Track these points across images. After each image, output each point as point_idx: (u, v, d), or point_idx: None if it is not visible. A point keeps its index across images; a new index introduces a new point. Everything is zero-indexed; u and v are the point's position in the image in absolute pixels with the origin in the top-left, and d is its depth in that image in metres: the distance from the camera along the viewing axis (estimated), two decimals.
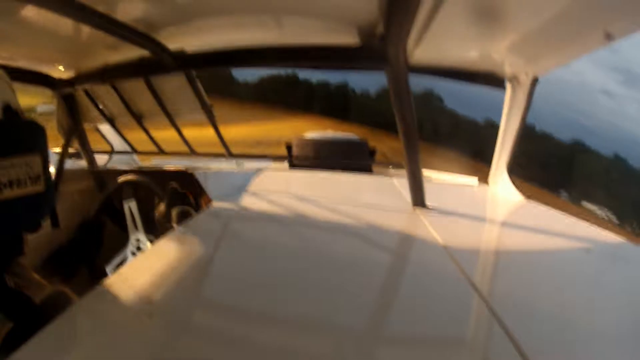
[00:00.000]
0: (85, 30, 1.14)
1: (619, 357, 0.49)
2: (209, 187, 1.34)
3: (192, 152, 2.13)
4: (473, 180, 2.11)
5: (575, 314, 0.59)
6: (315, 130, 3.26)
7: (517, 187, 1.49)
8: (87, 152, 1.86)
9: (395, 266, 0.81)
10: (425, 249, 0.89)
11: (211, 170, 1.70)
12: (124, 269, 0.72)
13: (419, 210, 1.18)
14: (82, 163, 1.90)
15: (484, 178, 1.69)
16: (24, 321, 0.51)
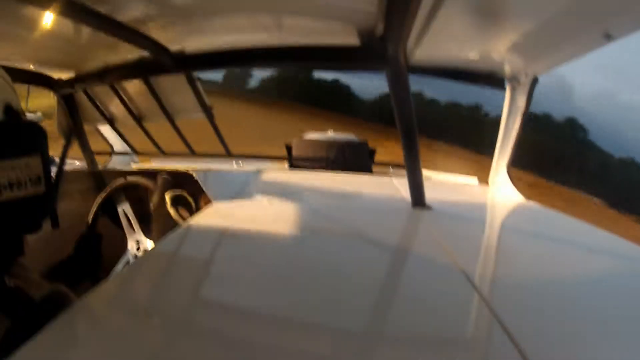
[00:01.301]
0: (86, 30, 1.14)
1: (620, 358, 0.49)
2: (209, 187, 1.33)
3: (192, 153, 2.13)
4: (473, 180, 2.11)
5: (576, 314, 0.59)
6: (316, 132, 3.26)
7: (517, 187, 1.49)
8: (87, 153, 1.86)
9: (394, 266, 0.81)
10: (424, 249, 0.89)
11: (211, 170, 1.70)
12: (123, 270, 0.72)
13: (418, 211, 1.18)
14: (82, 164, 1.90)
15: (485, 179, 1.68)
16: (23, 321, 0.50)
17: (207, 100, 1.71)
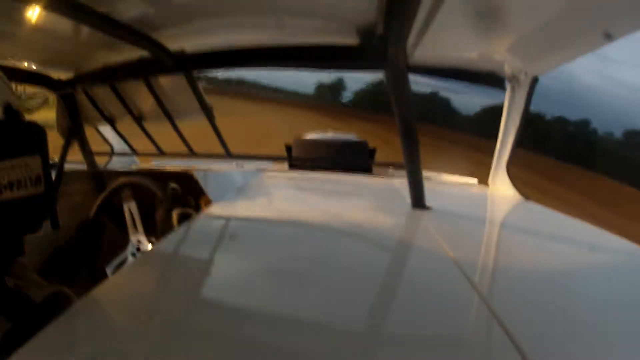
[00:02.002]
0: (85, 30, 1.15)
1: (620, 357, 0.49)
2: (209, 188, 1.34)
3: (192, 153, 2.13)
4: (473, 180, 2.11)
5: (576, 314, 0.59)
6: (316, 131, 3.26)
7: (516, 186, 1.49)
8: (87, 153, 1.86)
9: (394, 267, 0.81)
10: (424, 249, 0.89)
11: (211, 171, 1.70)
12: (124, 270, 0.72)
13: (418, 211, 1.18)
14: (82, 164, 1.90)
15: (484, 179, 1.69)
16: (24, 321, 0.51)
17: (208, 100, 1.71)
